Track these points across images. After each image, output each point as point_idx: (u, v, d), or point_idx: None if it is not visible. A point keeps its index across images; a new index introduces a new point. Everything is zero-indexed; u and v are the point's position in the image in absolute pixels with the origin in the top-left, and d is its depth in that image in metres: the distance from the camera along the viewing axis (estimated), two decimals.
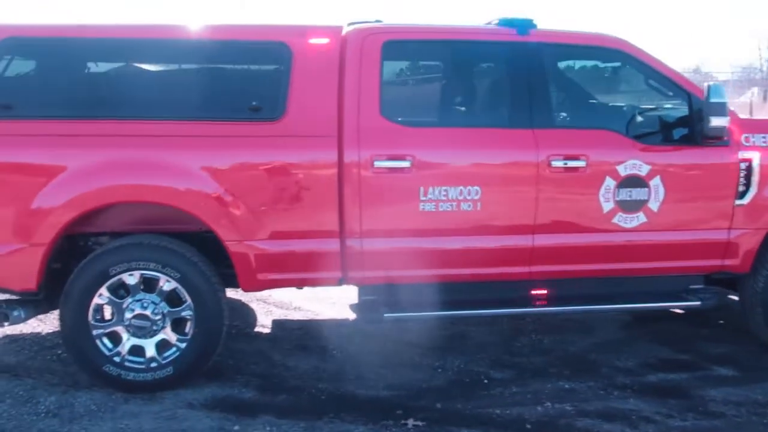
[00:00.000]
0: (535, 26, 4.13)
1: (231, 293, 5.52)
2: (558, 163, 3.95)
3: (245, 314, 5.27)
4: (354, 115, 3.82)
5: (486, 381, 4.07)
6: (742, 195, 4.17)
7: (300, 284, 4.11)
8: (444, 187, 3.87)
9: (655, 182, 4.06)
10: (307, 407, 3.71)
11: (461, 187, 3.89)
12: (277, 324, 5.08)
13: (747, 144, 4.16)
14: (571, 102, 4.33)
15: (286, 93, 3.79)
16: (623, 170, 4.02)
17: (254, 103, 3.77)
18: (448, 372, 4.20)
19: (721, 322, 5.12)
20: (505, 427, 3.51)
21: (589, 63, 4.67)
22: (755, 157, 4.15)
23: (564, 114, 4.17)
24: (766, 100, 39.56)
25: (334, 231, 3.85)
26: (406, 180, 3.85)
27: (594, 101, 4.48)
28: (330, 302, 5.49)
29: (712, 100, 3.82)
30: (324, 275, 3.93)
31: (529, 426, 3.51)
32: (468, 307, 4.15)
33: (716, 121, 3.83)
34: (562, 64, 4.23)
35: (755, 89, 44.47)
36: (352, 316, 5.03)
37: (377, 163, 3.80)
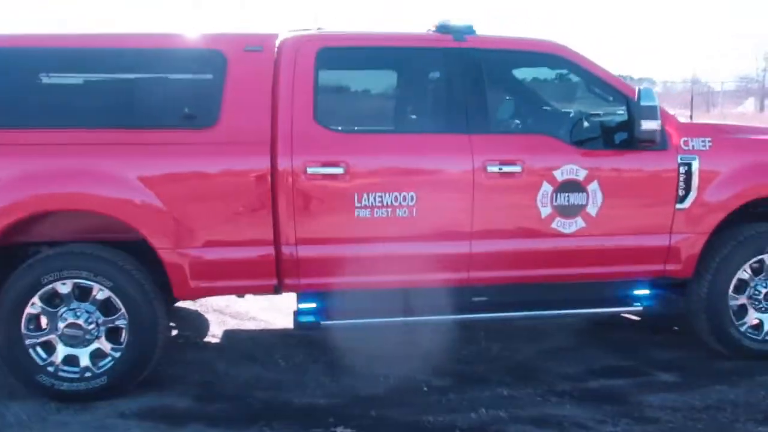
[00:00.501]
0: (473, 32, 4.14)
1: (188, 304, 5.54)
2: (493, 169, 3.94)
3: (198, 324, 5.25)
4: (288, 122, 3.83)
5: (426, 389, 4.04)
6: (682, 199, 4.16)
7: (234, 292, 4.11)
8: (379, 194, 3.87)
9: (593, 187, 4.06)
10: (239, 416, 3.69)
11: (396, 193, 3.88)
12: (229, 334, 5.06)
13: (686, 148, 4.16)
14: (509, 107, 4.35)
15: (219, 100, 3.80)
16: (560, 175, 4.02)
17: (187, 110, 3.78)
18: (390, 380, 4.17)
19: (676, 328, 5.08)
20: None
21: (542, 70, 4.66)
22: (694, 161, 4.15)
23: (501, 119, 4.18)
24: (762, 111, 39.71)
25: (268, 238, 3.84)
26: (340, 186, 3.85)
27: (532, 107, 4.49)
28: (287, 312, 5.43)
29: (643, 103, 3.83)
30: (259, 283, 3.92)
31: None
32: (407, 314, 4.13)
33: (647, 125, 3.83)
34: (499, 70, 4.23)
35: (752, 99, 44.59)
36: None
37: (310, 170, 3.80)
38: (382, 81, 4.24)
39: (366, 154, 3.89)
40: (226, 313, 5.52)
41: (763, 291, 4.33)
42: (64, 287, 3.72)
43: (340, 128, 3.90)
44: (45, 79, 3.95)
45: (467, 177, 3.94)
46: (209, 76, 3.87)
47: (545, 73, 4.37)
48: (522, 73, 4.44)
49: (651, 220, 4.19)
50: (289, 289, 3.99)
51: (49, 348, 3.78)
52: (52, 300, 3.76)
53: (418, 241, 3.98)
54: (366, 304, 4.10)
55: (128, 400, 3.81)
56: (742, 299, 4.33)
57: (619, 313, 4.72)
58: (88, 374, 3.78)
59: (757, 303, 4.34)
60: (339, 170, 3.83)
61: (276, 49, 3.94)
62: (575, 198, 4.05)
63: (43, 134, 3.68)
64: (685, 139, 4.17)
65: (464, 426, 3.55)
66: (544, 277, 4.17)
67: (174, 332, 5.08)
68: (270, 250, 3.86)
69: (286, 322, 5.21)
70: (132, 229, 3.73)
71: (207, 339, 4.97)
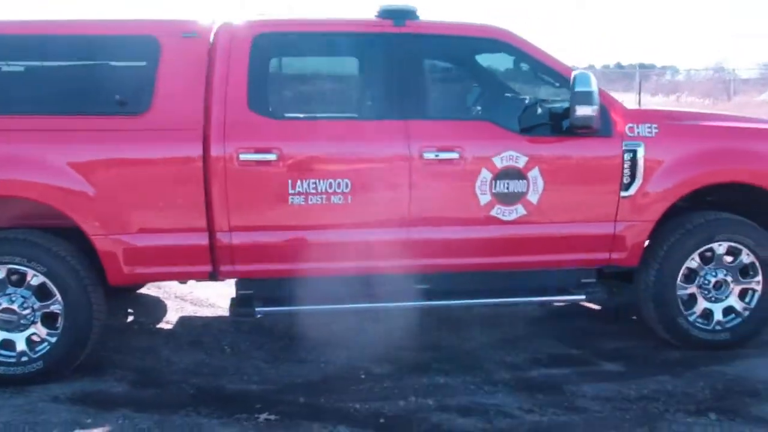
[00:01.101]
0: (415, 17, 4.08)
1: (150, 291, 5.59)
2: (430, 155, 3.90)
3: (155, 310, 5.28)
4: (221, 108, 3.81)
5: (363, 376, 4.02)
6: (627, 187, 4.09)
7: (170, 278, 4.12)
8: (313, 180, 3.84)
9: (534, 174, 4.00)
10: (170, 401, 3.70)
11: (330, 180, 3.85)
12: (184, 320, 5.08)
13: (631, 134, 4.08)
14: (449, 93, 4.29)
15: (152, 87, 3.80)
16: (500, 162, 3.96)
17: (118, 97, 3.77)
18: (329, 367, 4.16)
19: (634, 317, 5.00)
20: (358, 421, 3.47)
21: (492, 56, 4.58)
22: (640, 147, 4.07)
23: (440, 105, 4.12)
24: None
25: (202, 225, 3.84)
26: (273, 173, 3.83)
27: (473, 92, 4.42)
28: None
29: (577, 89, 3.75)
30: (193, 269, 3.93)
31: (382, 420, 3.47)
32: (346, 302, 4.11)
33: (581, 110, 3.75)
34: (439, 56, 4.18)
35: None
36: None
37: (242, 156, 3.79)
38: (320, 67, 4.20)
39: (299, 141, 3.86)
40: (186, 300, 5.54)
41: (713, 280, 4.25)
42: None
43: (273, 114, 3.87)
44: None
45: (403, 163, 3.89)
46: (143, 63, 3.86)
47: (493, 59, 4.29)
48: (470, 59, 4.36)
49: (595, 207, 4.12)
50: (226, 275, 3.99)
51: None
52: None
53: (354, 228, 3.95)
54: (304, 292, 4.08)
55: (64, 384, 3.84)
56: (692, 289, 4.25)
57: (562, 302, 4.65)
58: (24, 359, 3.81)
59: (706, 293, 4.26)
60: (272, 156, 3.80)
61: (213, 36, 3.91)
62: (515, 185, 3.99)
63: None
64: (631, 125, 4.09)
65: (389, 413, 3.53)
66: (486, 265, 4.12)
67: (130, 318, 5.14)
68: (204, 237, 3.85)
69: None
70: (65, 216, 3.75)
71: (160, 325, 4.99)
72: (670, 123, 4.19)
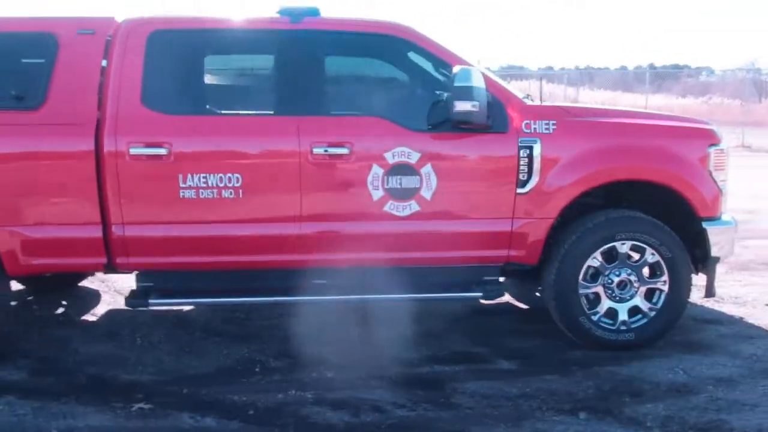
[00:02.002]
0: (315, 14, 4.12)
1: (94, 283, 5.71)
2: (319, 151, 3.93)
3: (88, 303, 5.39)
4: (115, 103, 3.89)
5: (257, 369, 4.06)
6: (523, 184, 4.06)
7: (67, 269, 4.22)
8: (203, 175, 3.90)
9: (427, 170, 4.00)
10: (58, 389, 3.78)
11: (221, 175, 3.91)
12: (110, 313, 5.17)
13: (528, 131, 4.05)
14: (342, 90, 4.30)
15: (48, 82, 3.89)
16: (391, 158, 3.97)
17: (14, 92, 3.88)
18: (228, 359, 4.21)
19: None
20: (228, 412, 3.51)
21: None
22: (536, 144, 4.04)
23: (333, 102, 4.13)
24: None
25: (96, 218, 3.92)
26: (163, 167, 3.89)
27: (367, 89, 4.43)
28: None
29: (457, 84, 3.74)
30: (89, 261, 4.02)
31: (252, 412, 3.50)
32: (241, 295, 4.16)
33: (460, 106, 3.74)
34: (335, 52, 4.20)
35: None
36: (187, 307, 5.15)
37: (133, 151, 3.86)
38: (216, 64, 4.25)
39: (190, 136, 3.92)
40: (122, 293, 5.61)
41: (616, 280, 4.19)
42: None
43: (164, 110, 3.94)
44: None
45: (293, 159, 3.93)
46: (41, 59, 3.95)
47: (394, 56, 4.28)
48: (367, 56, 4.36)
49: (491, 204, 4.10)
50: (122, 267, 4.07)
51: None
52: None
53: (246, 223, 4.00)
54: (201, 284, 4.15)
55: None
56: (596, 288, 4.20)
57: (458, 300, 4.61)
58: None
59: (610, 292, 4.21)
60: (162, 151, 3.87)
61: (110, 33, 4.00)
62: (408, 181, 4.00)
63: None
64: (527, 121, 4.06)
65: (262, 406, 3.56)
66: (382, 261, 4.12)
67: (60, 310, 5.26)
68: (98, 230, 3.94)
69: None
70: None
71: (86, 317, 5.10)
72: (569, 120, 4.14)
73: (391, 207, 4.02)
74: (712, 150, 4.22)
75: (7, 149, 3.88)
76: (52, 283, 5.51)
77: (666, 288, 4.21)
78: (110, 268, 4.06)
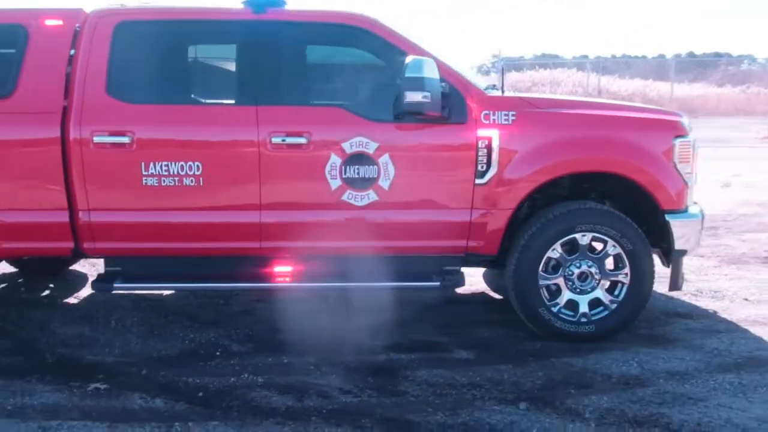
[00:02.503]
0: (280, 5, 4.17)
1: (85, 267, 5.89)
2: (277, 140, 3.99)
3: (74, 287, 5.55)
4: (80, 92, 4.01)
5: (218, 353, 4.16)
6: (482, 175, 4.07)
7: (36, 253, 4.35)
8: (165, 163, 4.00)
9: (384, 160, 4.03)
10: (24, 368, 3.93)
11: (182, 163, 4.00)
12: (92, 297, 5.31)
13: (486, 122, 4.05)
14: (302, 80, 4.33)
15: (18, 71, 4.02)
16: (349, 148, 4.02)
17: None
18: (193, 343, 4.33)
19: None
20: (179, 393, 3.61)
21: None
22: (495, 135, 4.04)
23: (292, 92, 4.18)
24: None
25: (63, 204, 4.05)
26: (127, 155, 4.00)
27: (327, 79, 4.47)
28: None
29: (407, 74, 3.76)
30: (57, 245, 4.15)
31: (201, 394, 3.60)
32: (205, 281, 4.26)
33: (410, 96, 3.76)
34: (296, 43, 4.23)
35: None
36: (167, 291, 5.28)
37: (97, 139, 3.97)
38: (180, 54, 4.31)
39: (152, 125, 4.02)
40: None
41: (576, 271, 4.18)
42: None
43: (128, 99, 4.04)
44: None
45: (252, 148, 4.00)
46: (12, 49, 4.08)
47: (355, 45, 4.30)
48: (329, 46, 4.40)
49: (450, 195, 4.12)
50: (89, 252, 4.20)
51: None
52: None
53: (207, 210, 4.09)
54: (167, 270, 4.26)
55: None
56: (556, 279, 4.20)
57: (416, 289, 4.60)
58: None
59: (571, 284, 4.20)
60: (125, 139, 3.98)
61: (78, 24, 4.11)
62: (366, 171, 4.04)
63: None
64: (486, 112, 4.06)
65: (212, 388, 3.66)
66: (341, 250, 4.18)
67: (46, 292, 5.44)
68: (65, 216, 4.07)
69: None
70: None
71: (69, 300, 5.26)
72: (529, 111, 4.13)
73: (349, 196, 4.06)
74: (677, 142, 4.17)
75: None
76: (43, 267, 5.70)
77: (627, 280, 4.18)
78: (78, 253, 4.20)
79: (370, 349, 4.21)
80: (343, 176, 4.03)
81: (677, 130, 4.21)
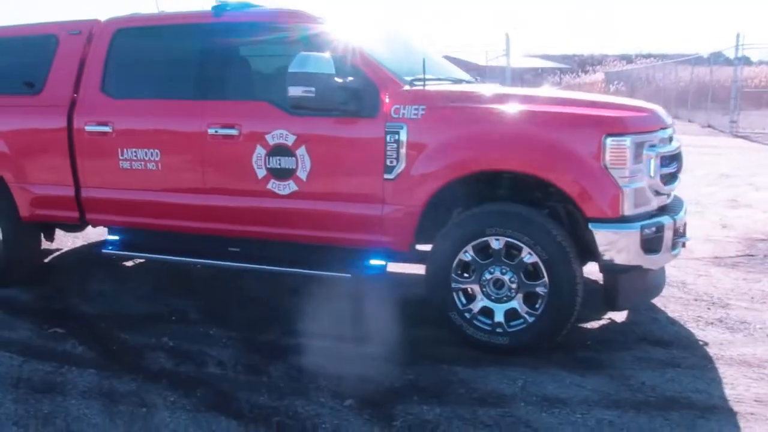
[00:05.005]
0: (243, 8, 4.56)
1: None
2: (213, 131, 4.39)
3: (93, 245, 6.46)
4: (84, 90, 4.86)
5: (174, 318, 4.72)
6: (390, 170, 4.02)
7: (55, 219, 5.25)
8: (133, 149, 4.66)
9: (301, 152, 4.20)
10: (22, 308, 4.87)
11: (146, 150, 4.63)
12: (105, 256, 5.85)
13: (396, 116, 3.99)
14: (240, 76, 4.60)
15: (47, 73, 5.01)
16: (271, 139, 4.26)
17: (25, 81, 5.07)
18: (166, 308, 4.90)
19: None
20: (102, 344, 4.23)
21: None
22: (402, 130, 3.97)
23: (230, 87, 4.51)
24: None
25: (70, 181, 4.95)
26: (108, 142, 4.74)
27: (259, 75, 4.67)
28: None
29: (289, 69, 3.86)
30: (68, 214, 5.06)
31: (115, 347, 4.19)
32: (182, 255, 4.81)
33: (292, 91, 3.85)
34: (241, 42, 4.52)
35: None
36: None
37: (88, 128, 4.78)
38: (154, 54, 4.87)
39: (125, 116, 4.70)
40: None
41: (489, 278, 3.90)
42: None
43: (112, 94, 4.76)
44: None
45: (196, 138, 4.47)
46: (46, 55, 5.07)
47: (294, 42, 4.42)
48: (270, 43, 4.59)
49: (362, 188, 4.13)
50: (91, 222, 5.06)
51: None
52: None
53: (166, 192, 4.66)
54: (151, 242, 4.93)
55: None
56: (470, 284, 3.97)
57: (328, 277, 4.49)
58: None
59: (486, 290, 3.94)
60: (107, 129, 4.72)
61: (92, 32, 4.96)
62: (286, 162, 4.25)
63: None
64: (397, 106, 3.99)
65: (130, 345, 4.21)
66: (270, 235, 4.44)
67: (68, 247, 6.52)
68: (71, 191, 4.96)
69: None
70: None
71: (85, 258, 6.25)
72: (440, 105, 3.95)
73: (273, 185, 4.31)
74: (609, 141, 3.63)
75: (19, 125, 5.09)
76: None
77: (545, 292, 3.79)
78: (83, 221, 5.07)
79: (291, 331, 4.35)
80: (267, 166, 4.29)
81: (610, 128, 3.66)
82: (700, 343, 4.13)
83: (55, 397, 3.52)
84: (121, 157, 4.71)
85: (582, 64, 52.90)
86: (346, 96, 3.99)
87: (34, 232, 5.44)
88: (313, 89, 3.84)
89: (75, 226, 5.61)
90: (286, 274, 4.79)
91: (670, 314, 4.62)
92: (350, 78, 4.02)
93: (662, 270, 4.26)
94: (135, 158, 4.66)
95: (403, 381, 3.66)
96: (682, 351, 4.00)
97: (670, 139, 4.18)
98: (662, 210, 4.01)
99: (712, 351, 4.01)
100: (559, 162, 3.69)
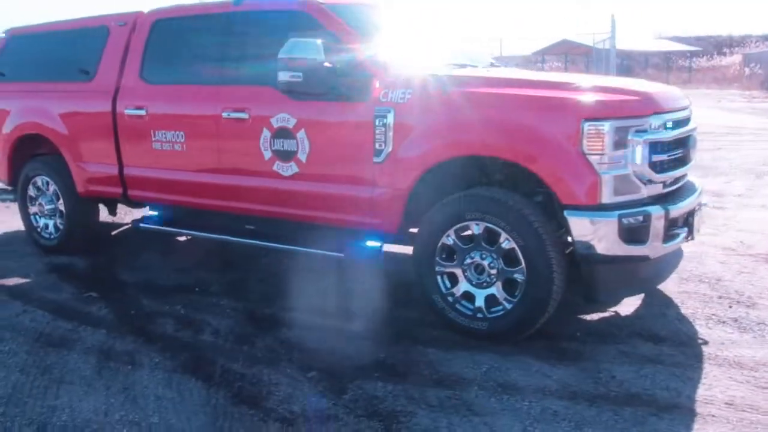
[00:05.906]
0: None
1: None
2: (226, 115, 4.67)
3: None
4: (126, 76, 5.31)
5: (197, 289, 5.06)
6: (379, 153, 4.11)
7: (104, 195, 5.73)
8: (164, 131, 5.05)
9: (301, 135, 4.38)
10: (72, 272, 5.45)
11: (173, 132, 5.00)
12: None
13: (384, 100, 4.07)
14: (252, 62, 4.76)
15: (98, 61, 5.51)
16: (276, 122, 4.47)
17: (82, 68, 5.60)
18: (195, 280, 5.27)
19: None
20: (122, 310, 4.65)
21: None
22: (389, 113, 4.04)
23: (243, 73, 4.72)
24: None
25: (115, 161, 5.43)
26: (143, 124, 5.16)
27: (268, 60, 4.78)
28: None
29: (279, 55, 4.01)
30: (113, 190, 5.56)
31: (133, 312, 4.58)
32: (207, 231, 5.16)
33: (281, 76, 4.01)
34: (254, 29, 4.72)
35: None
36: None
37: (127, 111, 5.22)
38: (184, 42, 5.16)
39: (157, 101, 5.08)
40: None
41: (469, 262, 3.91)
42: None
43: (148, 81, 5.16)
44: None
45: (213, 121, 4.77)
46: (99, 44, 5.57)
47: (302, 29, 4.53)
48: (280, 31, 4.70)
49: (354, 171, 4.24)
50: (132, 198, 5.52)
51: None
52: None
53: (191, 171, 5.01)
54: (181, 218, 5.32)
55: (62, 257, 5.96)
56: (453, 269, 3.99)
57: (321, 255, 4.60)
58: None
59: (468, 275, 3.94)
60: (142, 112, 5.14)
61: (134, 23, 5.39)
62: (288, 144, 4.45)
63: (17, 84, 6.01)
64: (385, 90, 4.06)
65: (146, 311, 4.59)
66: (276, 214, 4.66)
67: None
68: (116, 169, 5.45)
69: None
70: (55, 148, 5.78)
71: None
72: (428, 89, 3.96)
73: (278, 167, 4.52)
74: (586, 126, 3.51)
75: (76, 109, 5.64)
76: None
77: (523, 280, 3.74)
78: (125, 198, 5.55)
79: (283, 306, 4.56)
80: (273, 148, 4.51)
81: (589, 112, 3.53)
82: (699, 341, 3.90)
83: (62, 351, 3.95)
84: (153, 139, 5.11)
85: (718, 45, 49.47)
86: (338, 81, 4.10)
87: (92, 206, 6.00)
88: (300, 74, 4.00)
89: (135, 202, 6.13)
90: (293, 252, 4.96)
91: (684, 310, 4.38)
92: (343, 62, 4.12)
93: (664, 261, 4.04)
94: (164, 140, 5.05)
95: (373, 358, 3.76)
96: (673, 348, 3.81)
97: (679, 123, 3.95)
98: (663, 198, 3.82)
99: (708, 350, 3.78)
100: (535, 147, 3.61)
